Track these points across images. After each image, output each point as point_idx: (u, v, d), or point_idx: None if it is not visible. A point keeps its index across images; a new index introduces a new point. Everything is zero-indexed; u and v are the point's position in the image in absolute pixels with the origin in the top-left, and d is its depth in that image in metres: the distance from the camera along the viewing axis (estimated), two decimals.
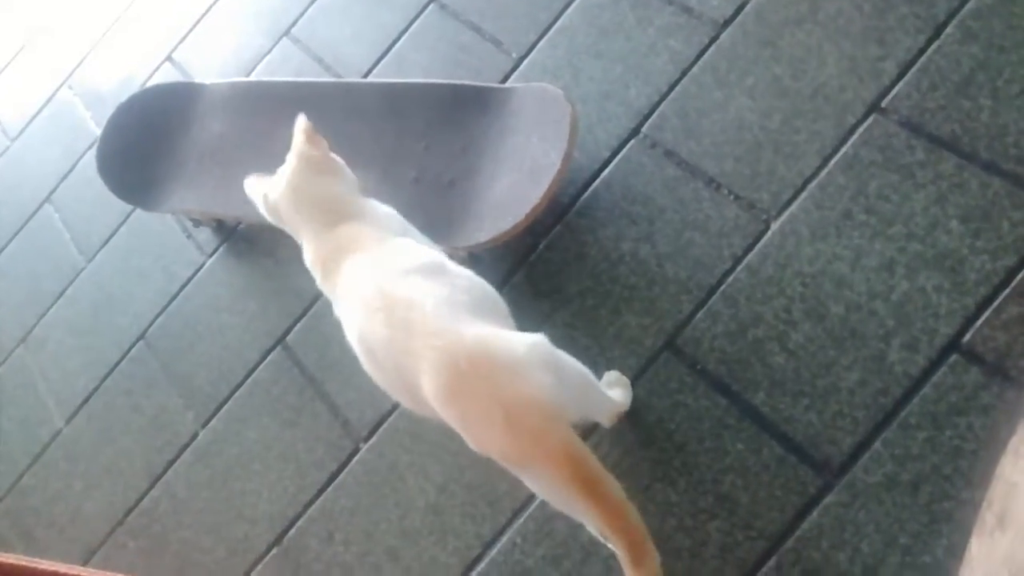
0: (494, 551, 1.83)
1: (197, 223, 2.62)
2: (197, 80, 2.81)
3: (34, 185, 3.13)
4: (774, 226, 1.82)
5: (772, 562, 1.58)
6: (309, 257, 1.65)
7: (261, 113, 2.43)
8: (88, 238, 2.87)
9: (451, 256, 1.61)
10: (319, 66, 2.67)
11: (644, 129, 2.06)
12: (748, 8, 2.05)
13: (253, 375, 2.32)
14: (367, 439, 2.07)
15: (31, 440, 2.63)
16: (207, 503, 2.25)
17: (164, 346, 2.53)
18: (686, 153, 1.98)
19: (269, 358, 2.32)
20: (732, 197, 1.89)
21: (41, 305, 2.86)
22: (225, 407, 2.33)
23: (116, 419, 2.51)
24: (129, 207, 2.75)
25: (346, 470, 2.08)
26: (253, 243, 2.50)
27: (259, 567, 2.11)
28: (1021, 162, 1.65)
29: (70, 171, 3.05)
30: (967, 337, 1.58)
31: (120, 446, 2.46)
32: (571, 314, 1.93)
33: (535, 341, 1.37)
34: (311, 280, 2.23)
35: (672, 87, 2.07)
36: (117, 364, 2.58)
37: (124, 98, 2.71)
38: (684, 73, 2.07)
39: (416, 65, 2.51)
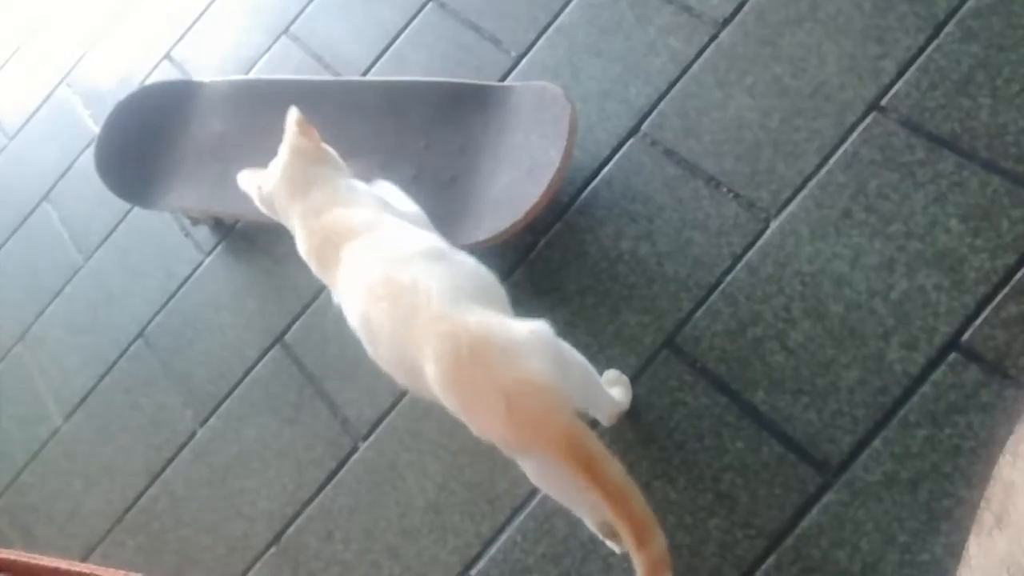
0: (494, 549, 1.83)
1: (195, 221, 2.62)
2: (196, 78, 2.81)
3: (32, 183, 3.12)
4: (774, 225, 1.82)
5: (772, 560, 1.58)
6: (303, 246, 1.66)
7: (260, 111, 2.43)
8: (86, 236, 2.87)
9: None
10: (318, 64, 2.67)
11: (644, 128, 2.06)
12: (748, 7, 2.05)
13: (252, 373, 2.32)
14: (366, 437, 2.07)
15: (30, 438, 2.63)
16: (206, 501, 2.25)
17: (163, 344, 2.53)
18: (686, 152, 1.98)
19: (268, 356, 2.32)
20: (732, 196, 1.89)
21: (39, 303, 2.86)
22: (224, 405, 2.32)
23: (115, 417, 2.51)
24: (127, 205, 2.75)
25: (345, 468, 2.08)
26: (252, 241, 2.50)
27: (258, 565, 2.11)
28: (1020, 161, 1.66)
29: (68, 169, 3.05)
30: (966, 336, 1.58)
31: (119, 444, 2.46)
32: (571, 312, 1.93)
33: (536, 327, 1.38)
34: (310, 278, 2.23)
35: (672, 86, 2.07)
36: (116, 362, 2.58)
37: (123, 96, 2.71)
38: (684, 72, 2.07)
39: (415, 63, 2.51)
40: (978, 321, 1.58)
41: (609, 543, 1.66)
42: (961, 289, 1.61)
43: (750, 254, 1.82)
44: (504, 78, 2.31)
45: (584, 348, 1.73)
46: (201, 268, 2.57)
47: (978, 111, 1.73)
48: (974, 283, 1.61)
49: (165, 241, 2.67)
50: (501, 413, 1.30)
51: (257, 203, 1.78)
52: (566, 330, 1.75)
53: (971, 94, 1.75)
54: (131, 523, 2.33)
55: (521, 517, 1.82)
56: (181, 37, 3.08)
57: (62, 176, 3.05)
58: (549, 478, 1.46)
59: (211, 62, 2.95)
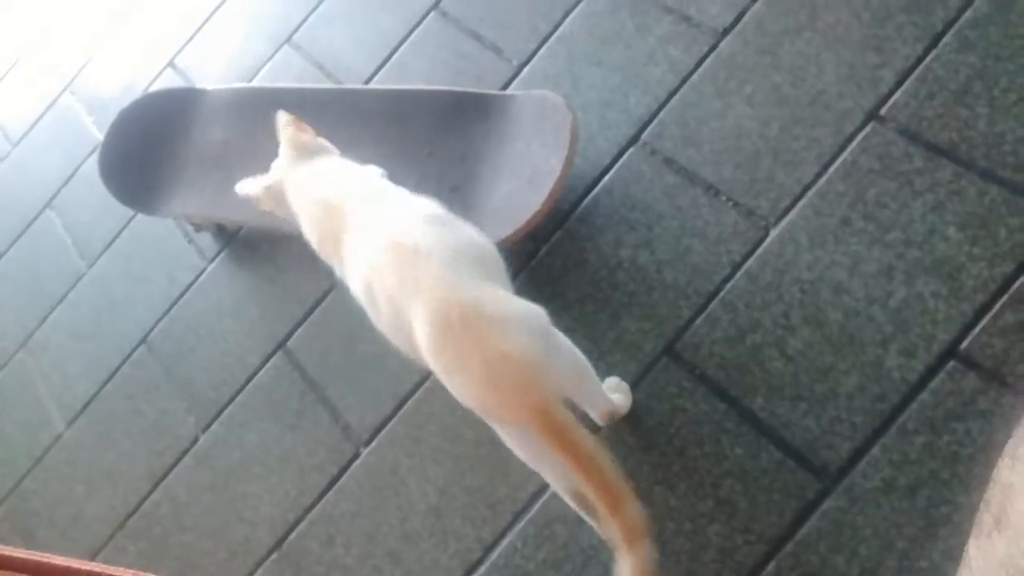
0: (495, 554, 1.84)
1: (198, 228, 2.63)
2: (199, 86, 2.82)
3: (36, 190, 3.13)
4: (773, 233, 1.84)
5: (771, 566, 1.59)
6: (311, 229, 1.70)
7: (262, 119, 2.43)
8: (90, 243, 2.88)
9: None
10: (320, 72, 2.68)
11: (644, 136, 2.08)
12: (747, 17, 2.07)
13: (254, 379, 2.33)
14: (368, 443, 2.08)
15: (32, 443, 2.64)
16: (208, 506, 2.26)
17: (165, 350, 2.54)
18: (685, 160, 2.00)
19: (270, 362, 2.33)
20: (731, 204, 1.91)
21: (42, 309, 2.87)
22: (226, 411, 2.33)
23: (117, 423, 2.52)
24: (130, 212, 2.76)
25: (347, 474, 2.09)
26: (254, 249, 2.51)
27: (260, 570, 2.11)
28: (1018, 170, 1.67)
29: (72, 176, 3.06)
30: (965, 343, 1.59)
31: (121, 449, 2.47)
32: (571, 319, 1.94)
33: (531, 309, 1.41)
34: (312, 285, 2.26)
35: (672, 95, 2.09)
36: (118, 368, 2.59)
37: (126, 103, 2.73)
38: (683, 81, 2.09)
39: (417, 72, 2.52)
40: (976, 329, 1.60)
41: (586, 517, 1.66)
42: (959, 297, 1.63)
43: (749, 262, 1.83)
44: (505, 87, 2.33)
45: (585, 354, 1.75)
46: (204, 275, 2.58)
47: (976, 121, 1.74)
48: (972, 291, 1.62)
49: (168, 248, 2.68)
50: (482, 382, 1.34)
51: (263, 205, 1.83)
52: (567, 337, 1.77)
53: (969, 104, 1.76)
54: (133, 528, 2.34)
55: (522, 523, 1.83)
56: (184, 45, 3.10)
57: (66, 183, 3.06)
58: (524, 446, 1.49)
59: (214, 70, 2.97)
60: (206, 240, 2.62)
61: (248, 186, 1.86)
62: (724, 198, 1.92)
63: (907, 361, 1.62)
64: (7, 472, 2.64)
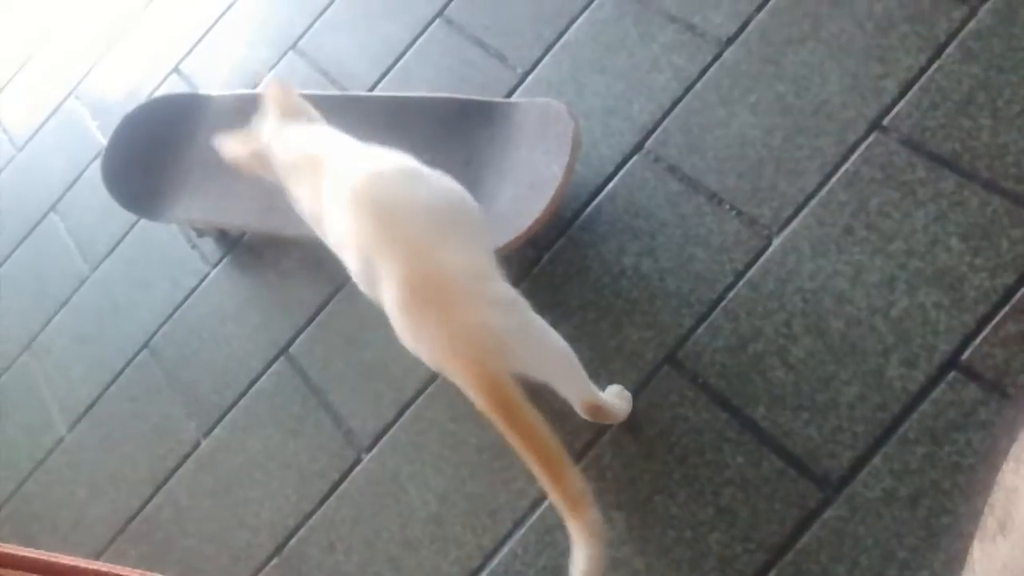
0: (495, 561, 1.84)
1: (200, 233, 2.64)
2: (203, 91, 2.83)
3: (40, 194, 3.14)
4: (775, 242, 1.84)
5: (772, 575, 1.59)
6: (299, 191, 1.71)
7: None
8: (93, 247, 2.88)
9: None
10: (325, 79, 2.69)
11: (647, 144, 2.08)
12: (751, 26, 2.08)
13: (256, 385, 2.34)
14: (369, 449, 2.09)
15: (34, 446, 2.64)
16: (209, 511, 2.26)
17: (168, 355, 2.54)
18: (689, 168, 2.00)
19: (272, 368, 2.33)
20: (734, 212, 1.91)
21: (46, 312, 2.87)
22: (228, 416, 2.34)
23: (119, 426, 2.52)
24: (134, 216, 2.76)
25: (348, 480, 2.09)
26: (258, 254, 2.52)
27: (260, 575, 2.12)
28: (1020, 181, 1.67)
29: (76, 180, 3.07)
30: (966, 354, 1.60)
31: (123, 453, 2.47)
32: (573, 327, 1.94)
33: (502, 285, 1.45)
34: (315, 291, 2.26)
35: (675, 103, 2.09)
36: (121, 372, 2.59)
37: (131, 109, 2.73)
38: (687, 89, 2.09)
39: (421, 79, 2.53)
40: (977, 340, 1.60)
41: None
42: (961, 308, 1.63)
43: (752, 271, 1.84)
44: (510, 94, 2.33)
45: (586, 363, 1.75)
46: (207, 280, 2.58)
47: (979, 131, 1.74)
48: (974, 302, 1.62)
49: (171, 252, 2.69)
50: (441, 349, 1.38)
51: (246, 167, 1.86)
52: (569, 344, 1.78)
53: (972, 114, 1.76)
54: (135, 532, 2.34)
55: (522, 530, 1.83)
56: (190, 51, 3.10)
57: (70, 187, 3.07)
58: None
59: (219, 76, 2.97)
60: (209, 245, 2.62)
61: (232, 146, 1.87)
62: (727, 206, 1.92)
63: (908, 371, 1.62)
64: (9, 475, 2.64)
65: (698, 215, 1.94)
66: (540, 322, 1.52)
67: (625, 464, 1.78)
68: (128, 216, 2.75)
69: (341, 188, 1.53)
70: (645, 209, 2.00)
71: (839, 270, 1.75)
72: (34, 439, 2.66)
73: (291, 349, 2.32)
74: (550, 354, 1.57)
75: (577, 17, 2.34)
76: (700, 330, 1.83)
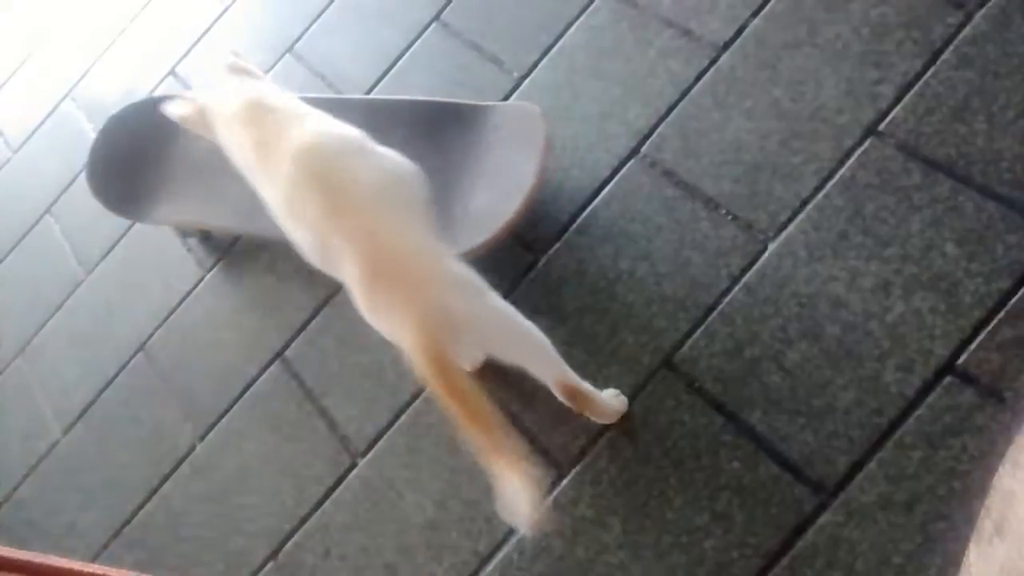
0: (490, 567, 1.84)
1: (185, 234, 2.65)
2: (189, 94, 2.82)
3: (35, 196, 3.13)
4: (771, 246, 1.84)
5: None
6: (234, 144, 1.76)
7: None
8: (88, 250, 2.88)
9: None
10: (322, 82, 2.69)
11: (643, 149, 2.08)
12: (747, 31, 2.08)
13: (252, 389, 2.33)
14: (365, 454, 2.08)
15: (28, 451, 2.63)
16: (204, 516, 2.25)
17: (163, 358, 2.53)
18: (685, 173, 2.00)
19: (268, 372, 2.33)
20: (730, 217, 1.91)
21: (40, 316, 2.86)
22: (223, 420, 2.33)
23: (114, 431, 2.51)
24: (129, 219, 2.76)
25: (343, 485, 2.08)
26: (253, 258, 2.51)
27: None
28: (1015, 186, 1.68)
29: (71, 183, 3.06)
30: (962, 359, 1.60)
31: (118, 458, 2.46)
32: (569, 331, 1.94)
33: (462, 271, 1.50)
34: (310, 295, 2.26)
35: (671, 108, 2.09)
36: (116, 376, 2.58)
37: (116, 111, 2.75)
38: (683, 94, 2.09)
39: (417, 83, 2.53)
40: (973, 345, 1.60)
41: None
42: (956, 312, 1.63)
43: (748, 275, 1.84)
44: (506, 98, 2.34)
45: (582, 367, 1.76)
46: (202, 283, 2.58)
47: (974, 137, 1.75)
48: (969, 307, 1.62)
49: (166, 256, 2.68)
50: (402, 325, 1.41)
51: (190, 126, 1.95)
52: (564, 349, 1.78)
53: (967, 120, 1.77)
54: (129, 538, 2.33)
55: (518, 535, 1.83)
56: (186, 53, 3.10)
57: (65, 189, 3.06)
58: None
59: (215, 78, 2.96)
60: (204, 249, 2.62)
61: (177, 106, 1.93)
62: (723, 211, 1.92)
63: (904, 376, 1.62)
64: (2, 479, 2.63)
65: (694, 220, 1.94)
66: (501, 302, 1.55)
67: (621, 468, 1.77)
68: (123, 219, 2.75)
69: (282, 156, 1.58)
70: (641, 214, 2.00)
71: (835, 275, 1.76)
72: (28, 443, 2.65)
73: (286, 353, 2.32)
74: (512, 333, 1.60)
75: (573, 22, 2.35)
76: (696, 334, 1.83)
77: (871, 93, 1.88)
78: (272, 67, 2.83)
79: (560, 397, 1.75)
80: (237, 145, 1.74)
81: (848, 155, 1.85)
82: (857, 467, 1.60)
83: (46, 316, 2.85)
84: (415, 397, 2.06)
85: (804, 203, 1.85)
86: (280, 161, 1.58)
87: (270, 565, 2.10)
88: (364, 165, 1.57)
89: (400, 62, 2.59)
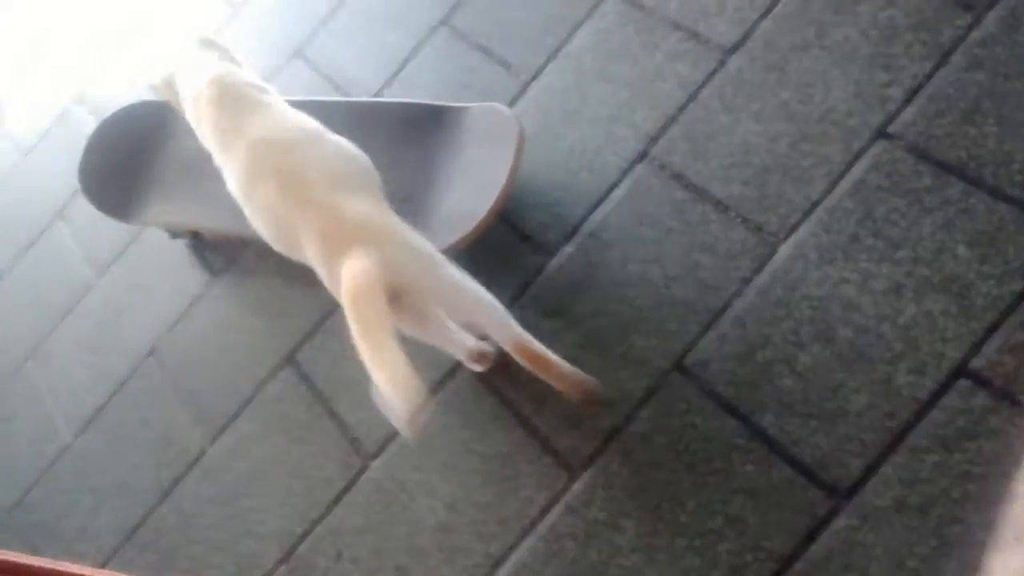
0: (503, 570, 1.84)
1: (173, 235, 2.69)
2: None
3: (46, 199, 3.14)
4: (782, 249, 1.84)
5: None
6: (206, 133, 1.86)
7: None
8: (98, 253, 2.89)
9: None
10: (329, 85, 2.69)
11: (652, 152, 2.08)
12: (755, 34, 2.08)
13: (262, 391, 2.34)
14: (376, 456, 2.09)
15: (39, 455, 2.64)
16: (215, 519, 2.26)
17: (173, 361, 2.54)
18: (694, 176, 2.00)
19: (278, 375, 2.33)
20: (740, 220, 1.91)
21: (51, 319, 2.87)
22: (234, 423, 2.34)
23: (124, 434, 2.52)
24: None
25: (355, 487, 2.09)
26: (263, 261, 2.51)
27: None
28: None
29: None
30: (975, 361, 1.60)
31: (128, 461, 2.47)
32: (580, 335, 1.94)
33: (413, 238, 1.62)
34: (320, 298, 2.25)
35: (679, 111, 2.09)
36: (126, 379, 2.59)
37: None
38: (691, 97, 2.10)
39: (423, 86, 2.53)
40: (986, 347, 1.60)
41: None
42: (969, 315, 1.63)
43: (758, 278, 1.84)
44: (513, 102, 2.34)
45: (593, 370, 1.76)
46: (212, 286, 2.58)
47: (984, 139, 1.75)
48: (982, 309, 1.63)
49: (176, 259, 2.69)
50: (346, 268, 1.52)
51: (160, 93, 2.07)
52: (575, 352, 1.79)
53: (977, 122, 1.77)
54: (140, 541, 2.34)
55: (531, 538, 1.83)
56: None
57: (75, 193, 3.04)
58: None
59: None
60: (214, 253, 2.62)
61: (155, 81, 2.04)
62: (733, 214, 1.92)
63: (917, 379, 1.63)
64: (13, 483, 2.64)
65: (704, 222, 1.95)
66: (452, 268, 1.65)
67: (633, 472, 1.78)
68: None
69: (239, 144, 1.72)
70: (651, 217, 2.00)
71: (846, 277, 1.76)
72: (38, 447, 2.66)
73: (296, 356, 2.32)
74: (462, 297, 1.68)
75: (581, 24, 2.35)
76: (707, 337, 1.83)
77: (881, 95, 1.88)
78: (280, 70, 2.84)
79: (519, 358, 1.80)
80: (199, 122, 1.87)
81: (858, 157, 1.85)
82: (871, 470, 1.60)
83: (57, 319, 2.86)
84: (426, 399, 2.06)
85: (814, 205, 1.85)
86: (237, 149, 1.72)
87: (281, 568, 2.10)
88: (316, 152, 1.69)
89: (407, 65, 2.60)
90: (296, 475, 2.18)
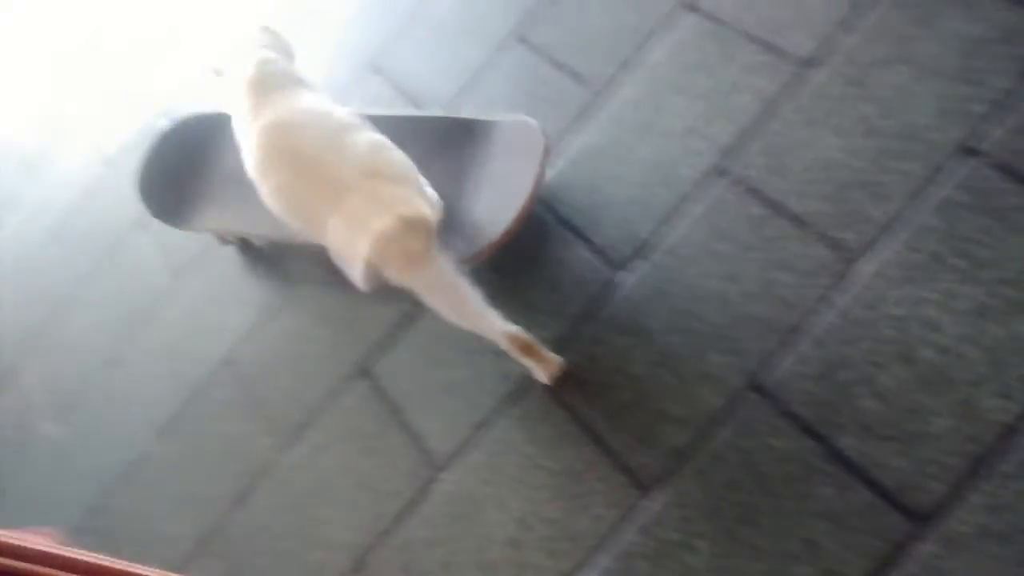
0: None
1: (224, 242, 2.79)
2: None
3: (129, 209, 3.18)
4: (861, 267, 1.81)
5: None
6: (245, 117, 1.93)
7: None
8: (178, 262, 2.96)
9: None
10: (403, 97, 2.71)
11: (728, 165, 2.06)
12: (835, 47, 2.05)
13: (333, 402, 2.35)
14: (446, 469, 2.09)
15: (116, 460, 2.69)
16: (284, 529, 2.28)
17: (247, 371, 2.57)
18: (771, 191, 1.98)
19: (349, 385, 2.35)
20: (818, 236, 1.88)
21: (129, 326, 2.94)
22: (305, 433, 2.36)
23: (199, 442, 2.56)
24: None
25: (424, 500, 2.09)
26: (335, 271, 2.53)
27: None
28: None
29: None
30: None
31: (202, 469, 2.51)
32: (655, 351, 1.92)
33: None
34: (393, 309, 2.28)
35: (757, 124, 2.07)
36: (202, 387, 2.64)
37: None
38: (769, 111, 2.07)
39: (495, 97, 2.54)
40: None
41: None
42: None
43: (837, 296, 1.81)
44: (583, 113, 2.33)
45: (668, 388, 1.75)
46: (287, 296, 2.61)
47: None
48: None
49: (252, 269, 2.73)
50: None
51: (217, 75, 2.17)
52: (650, 370, 1.77)
53: None
54: (212, 548, 2.36)
55: (602, 556, 1.81)
56: None
57: None
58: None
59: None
60: (288, 263, 2.65)
61: (215, 69, 2.16)
62: (811, 230, 1.89)
63: (1002, 403, 1.58)
64: (94, 487, 2.69)
65: (781, 238, 1.92)
66: (445, 262, 1.80)
67: (708, 492, 1.75)
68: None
69: (255, 128, 1.82)
70: (727, 232, 1.98)
71: (928, 297, 1.72)
72: (115, 453, 2.71)
73: (368, 367, 2.34)
74: (453, 292, 1.83)
75: (654, 36, 2.33)
76: (785, 356, 1.81)
77: (965, 110, 1.84)
78: (353, 81, 2.87)
79: (512, 350, 1.89)
80: (234, 103, 1.96)
81: (940, 173, 1.81)
82: (953, 496, 1.56)
83: (136, 327, 2.92)
84: (498, 414, 2.06)
85: (894, 222, 1.81)
86: (253, 130, 1.83)
87: None
88: (334, 138, 1.79)
89: (479, 76, 2.60)
90: (364, 486, 2.19)
